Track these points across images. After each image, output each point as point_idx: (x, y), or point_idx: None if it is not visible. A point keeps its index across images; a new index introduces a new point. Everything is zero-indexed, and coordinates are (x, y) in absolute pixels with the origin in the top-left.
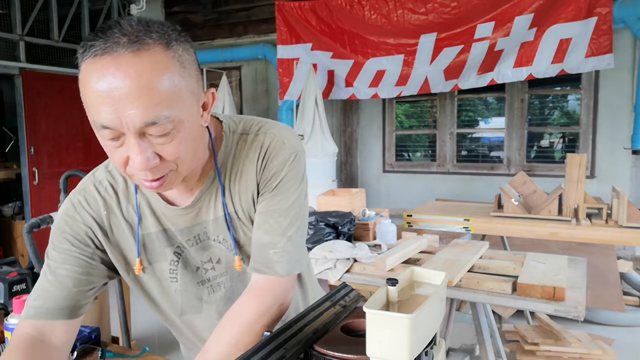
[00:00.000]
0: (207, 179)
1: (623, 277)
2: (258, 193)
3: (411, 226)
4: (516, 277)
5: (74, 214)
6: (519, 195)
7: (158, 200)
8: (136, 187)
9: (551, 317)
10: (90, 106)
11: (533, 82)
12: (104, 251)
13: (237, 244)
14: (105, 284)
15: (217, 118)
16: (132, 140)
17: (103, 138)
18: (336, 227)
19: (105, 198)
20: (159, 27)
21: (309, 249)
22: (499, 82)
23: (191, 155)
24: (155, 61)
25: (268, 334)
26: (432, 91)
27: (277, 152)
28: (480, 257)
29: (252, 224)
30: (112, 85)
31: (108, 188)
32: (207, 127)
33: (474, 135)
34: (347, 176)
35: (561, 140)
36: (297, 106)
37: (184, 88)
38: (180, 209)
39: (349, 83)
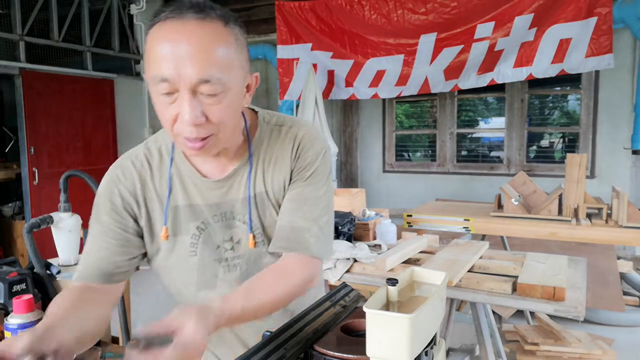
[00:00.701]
0: (241, 159)
1: (623, 277)
2: (290, 180)
3: (411, 226)
4: (516, 277)
5: (113, 187)
6: (519, 195)
7: (192, 173)
8: (171, 161)
9: (551, 317)
10: (153, 62)
11: (533, 82)
12: (137, 223)
13: (262, 225)
14: (145, 254)
15: (253, 109)
16: (185, 96)
17: (159, 93)
18: (336, 227)
19: (140, 172)
20: (221, 9)
21: None
22: (499, 82)
23: (232, 124)
24: (216, 31)
25: (268, 333)
26: (432, 91)
27: (311, 145)
28: (480, 257)
29: (278, 208)
30: (176, 44)
31: (144, 162)
32: (243, 114)
33: (474, 135)
34: (347, 176)
35: (561, 140)
36: (297, 106)
37: (236, 61)
38: (213, 182)
39: (349, 83)
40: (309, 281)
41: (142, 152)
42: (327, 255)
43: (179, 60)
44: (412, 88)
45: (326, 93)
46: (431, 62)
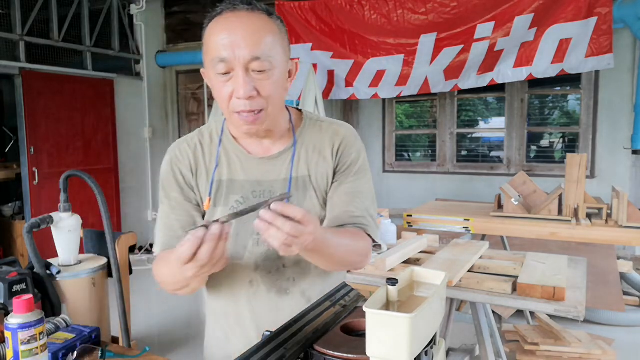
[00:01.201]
0: (286, 145)
1: (623, 277)
2: (334, 173)
3: (411, 226)
4: (516, 277)
5: (174, 167)
6: (519, 195)
7: (239, 151)
8: (220, 141)
9: (551, 317)
10: (212, 48)
11: (533, 82)
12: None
13: (300, 206)
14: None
15: (297, 108)
16: (239, 73)
17: (217, 73)
18: None
19: (194, 150)
20: (264, 6)
21: None
22: (499, 82)
23: (279, 101)
24: (263, 20)
25: (268, 333)
26: (432, 91)
27: (353, 143)
28: (480, 257)
29: (319, 194)
30: (232, 31)
31: (197, 143)
32: (288, 109)
33: (474, 135)
34: None
35: (561, 140)
36: (297, 106)
37: (280, 47)
38: (257, 159)
39: (349, 83)
40: (368, 252)
41: (196, 135)
42: (377, 240)
43: (234, 43)
44: (412, 88)
45: (326, 93)
46: (431, 62)
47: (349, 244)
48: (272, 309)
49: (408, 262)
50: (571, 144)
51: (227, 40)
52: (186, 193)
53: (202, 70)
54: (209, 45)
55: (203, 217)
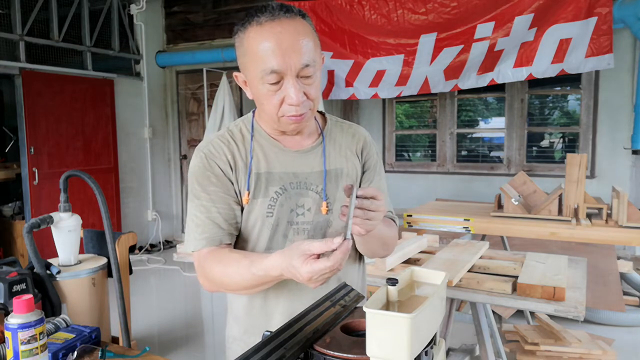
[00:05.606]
0: (316, 140)
1: (623, 277)
2: (363, 172)
3: (411, 226)
4: (516, 277)
5: (210, 162)
6: (519, 195)
7: (275, 144)
8: (252, 136)
9: (551, 317)
10: (260, 58)
11: (533, 82)
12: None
13: (335, 197)
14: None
15: (319, 111)
16: (291, 81)
17: (267, 83)
18: None
19: (228, 146)
20: (296, 7)
21: None
22: (499, 82)
23: (319, 100)
24: (302, 25)
25: (268, 333)
26: (432, 91)
27: (372, 144)
28: (480, 257)
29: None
30: (280, 39)
31: (229, 139)
32: None
33: (474, 135)
34: None
35: (561, 140)
36: None
37: (317, 48)
38: (293, 152)
39: (349, 83)
40: (397, 239)
41: (226, 132)
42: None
43: (284, 51)
44: (412, 88)
45: (326, 93)
46: (431, 62)
47: (390, 230)
48: (313, 298)
49: (408, 262)
50: (571, 144)
51: (277, 50)
52: (225, 186)
53: (235, 74)
54: (256, 55)
55: (241, 211)
